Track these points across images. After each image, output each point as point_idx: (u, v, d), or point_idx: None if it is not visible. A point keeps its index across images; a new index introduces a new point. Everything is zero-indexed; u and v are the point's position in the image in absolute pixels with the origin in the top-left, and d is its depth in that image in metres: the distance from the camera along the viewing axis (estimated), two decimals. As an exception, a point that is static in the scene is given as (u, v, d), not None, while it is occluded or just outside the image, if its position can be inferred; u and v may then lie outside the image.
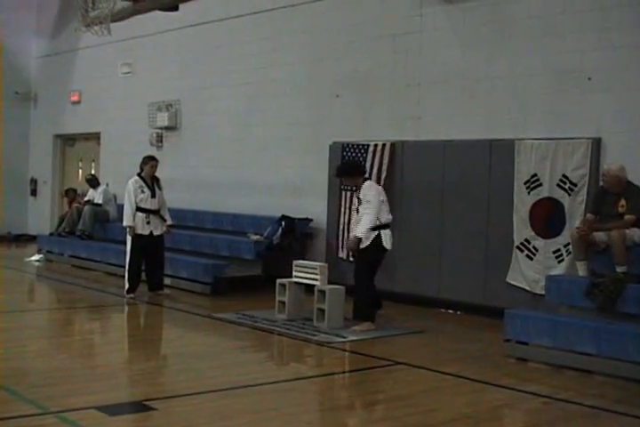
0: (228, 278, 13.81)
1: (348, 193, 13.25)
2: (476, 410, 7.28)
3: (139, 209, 13.06)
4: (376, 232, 10.61)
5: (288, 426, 6.68)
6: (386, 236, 10.67)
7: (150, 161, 13.30)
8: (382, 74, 13.52)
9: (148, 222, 13.11)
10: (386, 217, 10.75)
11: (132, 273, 13.21)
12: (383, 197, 10.83)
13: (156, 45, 18.33)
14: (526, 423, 7.23)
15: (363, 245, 10.65)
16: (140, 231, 13.08)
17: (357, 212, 10.80)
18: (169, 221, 13.42)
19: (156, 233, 13.22)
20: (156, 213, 13.23)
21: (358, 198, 10.77)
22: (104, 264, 15.94)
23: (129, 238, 13.23)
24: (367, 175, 11.70)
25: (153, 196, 13.19)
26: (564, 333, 8.90)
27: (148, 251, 13.21)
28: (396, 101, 13.32)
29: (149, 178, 13.26)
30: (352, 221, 11.27)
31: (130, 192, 13.06)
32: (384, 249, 10.74)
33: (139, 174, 13.28)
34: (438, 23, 12.73)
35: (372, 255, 10.76)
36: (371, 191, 10.69)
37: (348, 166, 11.34)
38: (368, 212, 10.55)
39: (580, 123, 10.97)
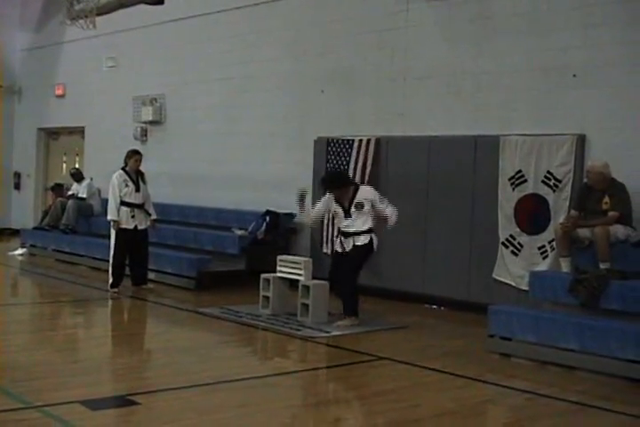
0: (213, 273, 13.79)
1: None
2: (460, 405, 7.29)
3: (123, 203, 13.05)
4: (371, 234, 10.80)
5: (272, 421, 6.67)
6: (376, 239, 10.84)
7: (134, 155, 13.28)
8: (367, 69, 13.51)
9: (133, 216, 13.11)
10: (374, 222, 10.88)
11: (116, 267, 13.20)
12: None
13: (141, 39, 18.26)
14: (510, 419, 7.25)
15: (361, 243, 10.74)
16: (124, 226, 13.07)
17: (349, 216, 10.84)
18: (153, 216, 13.41)
19: (140, 227, 13.21)
20: (140, 207, 13.22)
21: (354, 203, 10.79)
22: (88, 258, 15.88)
23: (113, 232, 13.21)
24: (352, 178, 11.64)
25: (137, 190, 13.18)
26: (548, 329, 8.92)
27: (132, 245, 13.20)
28: (381, 97, 13.31)
29: (134, 172, 13.26)
30: (337, 222, 11.23)
31: (114, 186, 13.05)
32: (373, 251, 10.94)
33: (123, 168, 13.27)
34: (424, 19, 12.73)
35: (364, 255, 10.89)
36: (374, 192, 10.90)
37: (337, 178, 11.19)
38: (388, 206, 10.81)
39: (565, 119, 11.00)
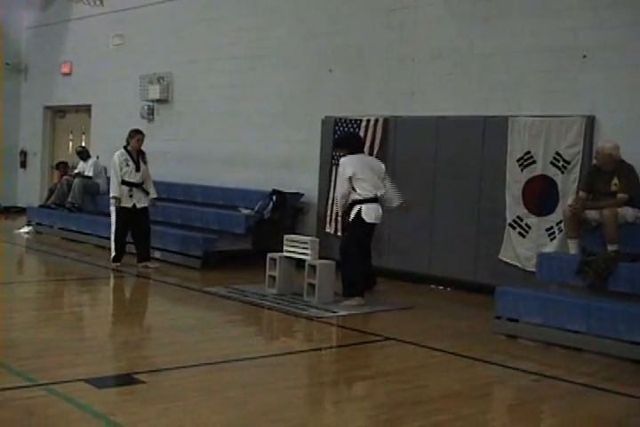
0: (219, 252, 13.77)
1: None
2: (466, 386, 7.27)
3: (122, 182, 13.14)
4: (358, 207, 10.65)
5: (276, 400, 6.65)
6: (368, 209, 10.64)
7: (136, 135, 13.33)
8: (376, 49, 13.43)
9: (131, 196, 13.20)
10: (365, 192, 10.71)
11: (118, 242, 13.35)
12: (362, 172, 10.76)
13: (148, 17, 18.19)
14: (516, 400, 7.23)
15: (350, 218, 10.74)
16: (123, 204, 13.17)
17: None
18: (153, 195, 13.43)
19: (139, 206, 13.30)
20: (139, 186, 13.29)
21: None
22: (94, 237, 15.87)
23: (113, 210, 13.35)
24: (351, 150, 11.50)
25: (137, 169, 13.26)
26: (555, 310, 8.89)
27: (133, 223, 13.31)
28: (389, 77, 13.24)
29: (135, 151, 13.33)
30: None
31: (115, 164, 13.17)
32: (367, 223, 10.70)
33: (125, 147, 13.34)
34: (433, -2, 12.66)
35: (354, 230, 10.80)
36: (344, 168, 10.78)
37: (349, 141, 11.36)
38: (338, 188, 10.86)
39: (574, 100, 10.93)
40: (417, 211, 12.25)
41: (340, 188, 10.78)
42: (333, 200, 13.17)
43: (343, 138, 11.77)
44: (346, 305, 10.53)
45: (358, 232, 10.81)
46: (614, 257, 9.21)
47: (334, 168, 13.35)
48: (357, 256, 10.80)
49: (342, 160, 10.90)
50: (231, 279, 12.35)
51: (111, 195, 13.20)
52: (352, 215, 10.70)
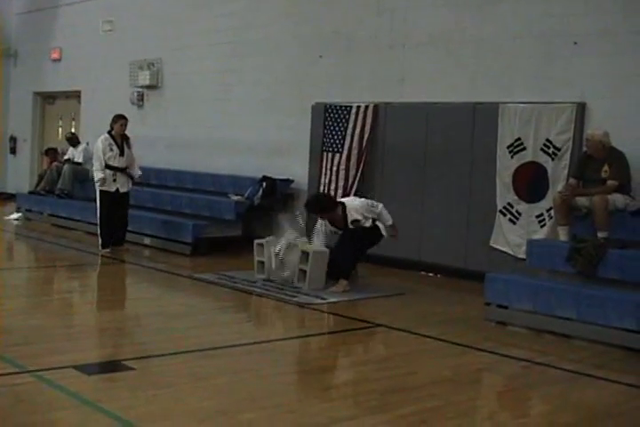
0: (208, 239, 13.76)
1: (330, 154, 13.27)
2: (456, 373, 7.28)
3: (106, 166, 13.16)
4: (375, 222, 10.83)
5: (266, 387, 6.64)
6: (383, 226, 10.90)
7: (120, 119, 13.36)
8: (366, 35, 13.39)
9: (115, 180, 13.24)
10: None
11: (104, 228, 13.38)
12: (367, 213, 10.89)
13: (137, 3, 18.12)
14: (506, 387, 7.24)
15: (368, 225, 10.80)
16: (106, 188, 13.19)
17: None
18: (138, 173, 13.52)
19: (122, 190, 13.35)
20: (122, 171, 13.31)
21: (350, 221, 10.73)
22: (83, 223, 15.80)
23: (98, 195, 13.34)
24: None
25: (121, 154, 13.31)
26: (545, 297, 8.90)
27: (114, 207, 13.31)
28: (379, 63, 13.20)
29: (119, 136, 13.34)
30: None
31: (98, 149, 13.23)
32: (381, 235, 10.93)
33: (109, 132, 13.38)
34: (424, -16, 12.62)
35: (369, 236, 10.86)
36: (363, 205, 10.81)
37: (322, 202, 11.12)
38: (382, 209, 10.85)
39: (565, 87, 10.91)
40: (407, 197, 12.27)
41: (381, 206, 10.87)
42: (325, 187, 13.16)
43: (325, 199, 11.34)
44: (333, 291, 10.52)
45: (372, 238, 10.89)
46: (604, 244, 9.21)
47: (325, 155, 13.39)
48: (357, 251, 10.85)
49: (355, 203, 10.91)
50: (221, 266, 12.33)
51: (96, 179, 13.20)
52: (368, 224, 10.78)
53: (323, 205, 10.94)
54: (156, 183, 16.29)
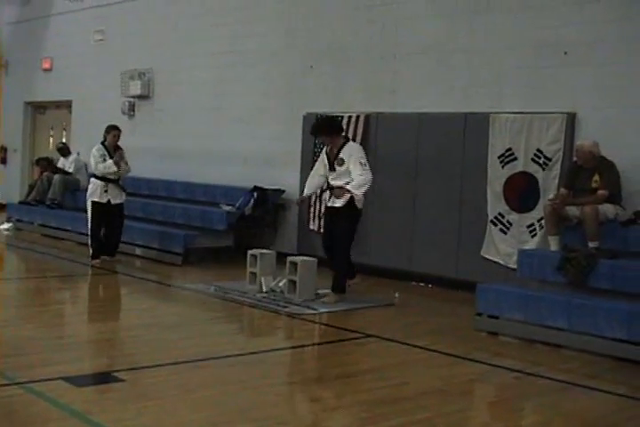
0: (200, 249, 13.77)
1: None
2: (447, 384, 7.26)
3: (98, 177, 13.13)
4: (348, 195, 10.45)
5: (257, 398, 6.63)
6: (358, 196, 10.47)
7: (113, 130, 13.36)
8: (357, 45, 13.40)
9: (106, 191, 13.19)
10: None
11: (95, 239, 13.36)
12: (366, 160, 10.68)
13: (129, 13, 18.10)
14: (497, 398, 7.23)
15: (340, 204, 10.53)
16: (97, 199, 13.18)
17: (333, 170, 10.65)
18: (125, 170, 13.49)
19: (113, 202, 13.30)
20: (115, 182, 13.30)
21: (338, 158, 10.58)
22: (74, 233, 15.78)
23: (89, 205, 13.34)
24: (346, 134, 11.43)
25: None
26: (536, 307, 8.90)
27: (107, 218, 13.32)
28: (371, 73, 13.21)
29: (112, 147, 13.32)
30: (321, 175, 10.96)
31: (95, 156, 13.20)
32: (359, 210, 10.59)
33: (102, 143, 13.37)
34: (415, -6, 12.63)
35: (348, 218, 10.60)
36: (361, 153, 10.60)
37: (328, 125, 10.96)
38: (365, 173, 10.41)
39: (556, 97, 10.93)
40: (398, 207, 12.27)
41: (367, 173, 10.41)
42: (320, 196, 13.05)
43: (332, 123, 11.19)
44: (324, 302, 10.50)
45: (353, 220, 10.64)
46: (595, 254, 9.23)
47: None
48: (349, 248, 10.77)
49: (356, 146, 10.82)
50: (212, 276, 12.31)
51: (111, 170, 13.09)
52: (341, 203, 10.51)
53: (325, 126, 10.86)
54: (147, 193, 16.27)
